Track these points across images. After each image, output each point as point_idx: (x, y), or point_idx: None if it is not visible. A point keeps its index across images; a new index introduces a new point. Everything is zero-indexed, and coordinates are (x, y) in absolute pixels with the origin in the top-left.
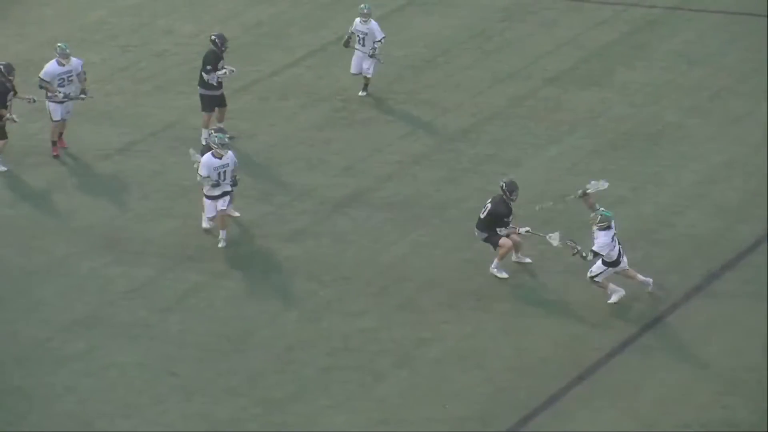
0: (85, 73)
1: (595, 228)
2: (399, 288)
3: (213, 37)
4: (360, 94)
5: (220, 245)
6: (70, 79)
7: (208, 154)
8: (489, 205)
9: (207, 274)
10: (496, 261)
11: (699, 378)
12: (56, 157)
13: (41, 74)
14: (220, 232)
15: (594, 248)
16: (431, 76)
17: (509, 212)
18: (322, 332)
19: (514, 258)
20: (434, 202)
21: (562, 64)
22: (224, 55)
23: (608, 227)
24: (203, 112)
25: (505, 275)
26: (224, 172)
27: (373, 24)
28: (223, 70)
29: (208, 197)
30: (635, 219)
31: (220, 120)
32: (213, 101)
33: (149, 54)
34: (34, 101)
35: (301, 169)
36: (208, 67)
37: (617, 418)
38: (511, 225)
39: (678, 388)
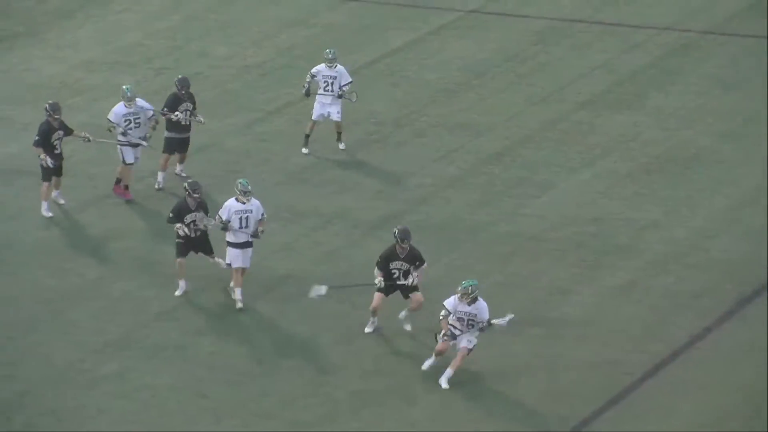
0: (156, 117)
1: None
2: (431, 311)
3: (175, 80)
4: (340, 147)
5: (238, 306)
6: (137, 121)
7: (231, 199)
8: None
9: (240, 296)
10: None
11: (731, 403)
12: (129, 201)
13: (109, 115)
14: (237, 291)
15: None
16: (465, 100)
17: (395, 258)
18: (354, 355)
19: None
20: (467, 225)
21: (595, 87)
22: (194, 99)
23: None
24: (162, 153)
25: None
26: (246, 218)
27: (341, 68)
28: (179, 114)
29: (232, 244)
30: (668, 243)
31: (181, 162)
32: (175, 144)
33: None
34: (89, 140)
35: (334, 192)
36: (164, 110)
37: None
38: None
39: (710, 413)
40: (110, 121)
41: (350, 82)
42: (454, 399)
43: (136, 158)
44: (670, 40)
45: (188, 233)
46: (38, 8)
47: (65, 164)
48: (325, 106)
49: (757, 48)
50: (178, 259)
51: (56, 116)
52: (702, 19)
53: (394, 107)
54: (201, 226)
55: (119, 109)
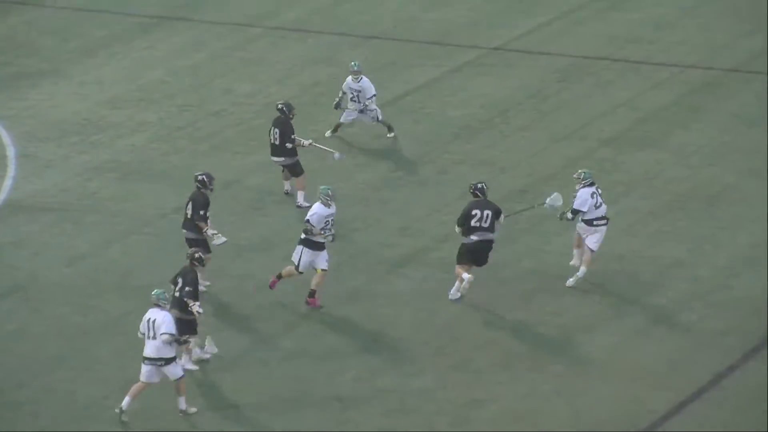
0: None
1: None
2: (454, 348)
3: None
4: (388, 136)
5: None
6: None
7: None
8: None
9: (262, 333)
10: None
11: None
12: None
13: (309, 217)
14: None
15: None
16: (488, 137)
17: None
18: (378, 392)
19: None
20: (491, 262)
21: (618, 125)
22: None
23: (591, 183)
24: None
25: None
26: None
27: (365, 81)
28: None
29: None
30: (692, 281)
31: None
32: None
33: (207, 113)
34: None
35: (358, 229)
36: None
37: None
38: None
39: None
40: (308, 222)
41: (374, 95)
42: None
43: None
44: (694, 77)
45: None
46: (62, 46)
47: (89, 202)
48: (353, 114)
49: None
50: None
51: (211, 186)
52: (726, 56)
53: (416, 144)
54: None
55: (320, 210)
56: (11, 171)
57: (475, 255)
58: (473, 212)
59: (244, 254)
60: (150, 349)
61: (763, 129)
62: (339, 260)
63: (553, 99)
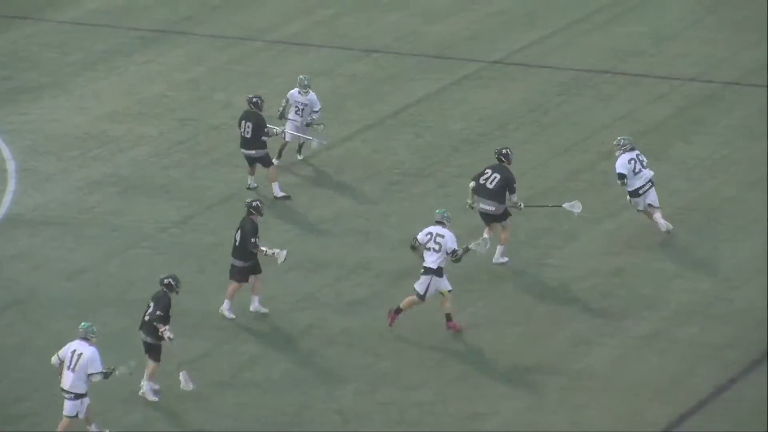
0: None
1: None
2: (455, 361)
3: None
4: (299, 157)
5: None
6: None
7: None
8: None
9: (263, 347)
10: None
11: None
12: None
13: (454, 247)
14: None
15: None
16: (487, 150)
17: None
18: (379, 406)
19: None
20: (491, 275)
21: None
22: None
23: (631, 149)
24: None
25: None
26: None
27: (312, 95)
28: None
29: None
30: (693, 293)
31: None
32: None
33: (207, 127)
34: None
35: (358, 242)
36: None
37: None
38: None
39: None
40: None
41: (320, 108)
42: None
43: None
44: (695, 90)
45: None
46: (63, 60)
47: (89, 216)
48: (296, 128)
49: None
50: (155, 365)
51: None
52: (727, 69)
53: (417, 157)
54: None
55: None
56: (12, 185)
57: (485, 218)
58: (486, 170)
59: None
60: (67, 380)
61: (764, 141)
62: (338, 274)
63: (553, 112)
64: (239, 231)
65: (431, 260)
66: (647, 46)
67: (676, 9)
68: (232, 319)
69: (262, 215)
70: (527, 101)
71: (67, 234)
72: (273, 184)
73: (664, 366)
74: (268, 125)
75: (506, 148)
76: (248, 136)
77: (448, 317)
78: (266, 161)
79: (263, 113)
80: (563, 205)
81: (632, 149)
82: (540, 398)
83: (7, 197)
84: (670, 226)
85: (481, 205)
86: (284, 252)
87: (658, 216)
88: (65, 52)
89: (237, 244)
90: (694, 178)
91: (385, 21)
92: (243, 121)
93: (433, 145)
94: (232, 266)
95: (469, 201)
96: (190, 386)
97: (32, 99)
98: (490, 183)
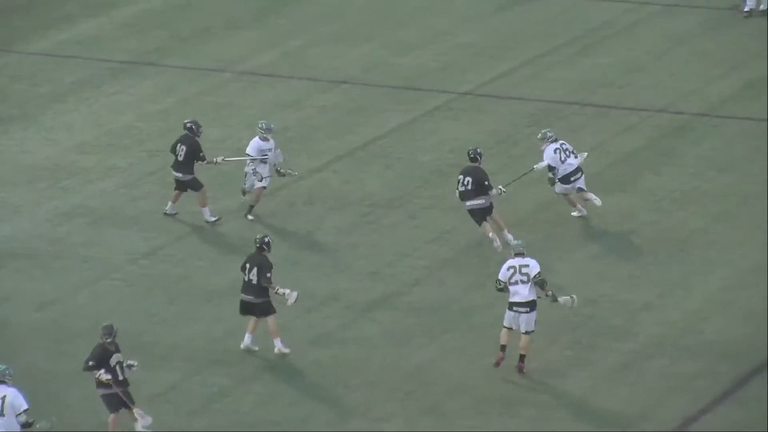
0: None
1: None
2: (425, 393)
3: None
4: (249, 218)
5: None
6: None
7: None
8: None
9: (233, 378)
10: None
11: None
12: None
13: (539, 270)
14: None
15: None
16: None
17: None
18: None
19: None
20: (461, 307)
21: (588, 169)
22: None
23: (555, 140)
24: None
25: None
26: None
27: (273, 142)
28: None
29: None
30: (663, 325)
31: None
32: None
33: None
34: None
35: (328, 274)
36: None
37: None
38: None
39: None
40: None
41: (283, 159)
42: None
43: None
44: (664, 122)
45: (117, 376)
46: (32, 91)
47: (59, 247)
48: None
49: (751, 130)
50: (111, 416)
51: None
52: (696, 101)
53: (387, 189)
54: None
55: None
56: None
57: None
58: (458, 177)
59: (213, 299)
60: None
61: (733, 173)
62: (309, 305)
63: (523, 143)
64: (254, 268)
65: (525, 293)
66: (615, 77)
67: (643, 41)
68: (255, 351)
69: (270, 251)
70: (497, 132)
71: (36, 265)
72: (203, 208)
73: (635, 397)
74: (205, 157)
75: (478, 148)
76: (181, 159)
77: (522, 358)
78: (195, 185)
79: (199, 138)
80: (534, 168)
81: (556, 140)
82: (511, 430)
83: None
84: (599, 201)
85: (471, 203)
86: (295, 293)
87: (590, 195)
88: (34, 83)
89: (251, 281)
90: (663, 209)
91: (354, 52)
92: (179, 144)
93: (403, 177)
94: (247, 303)
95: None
96: (148, 420)
97: (1, 131)
98: (467, 185)
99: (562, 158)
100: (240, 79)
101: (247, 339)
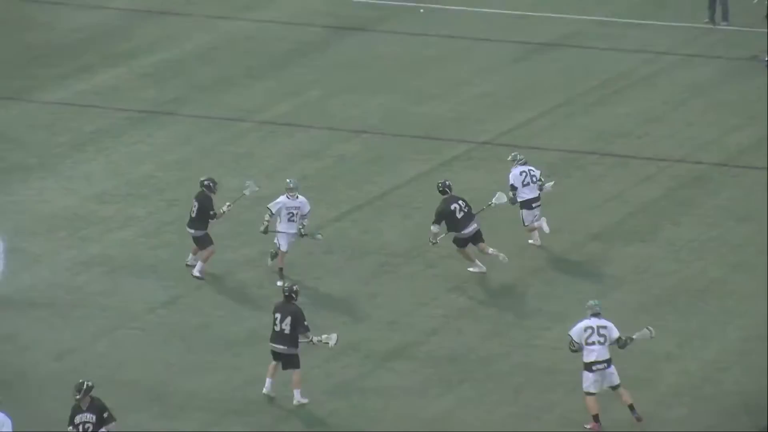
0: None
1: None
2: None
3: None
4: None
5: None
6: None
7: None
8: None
9: (252, 428)
10: None
11: None
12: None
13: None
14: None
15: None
16: None
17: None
18: None
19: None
20: (479, 356)
21: (607, 219)
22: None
23: (524, 163)
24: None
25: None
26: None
27: (302, 198)
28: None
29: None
30: (681, 375)
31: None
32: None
33: None
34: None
35: (346, 323)
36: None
37: None
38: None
39: None
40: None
41: (309, 211)
42: None
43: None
44: (683, 172)
45: None
46: (51, 140)
47: (77, 296)
48: (289, 238)
49: None
50: None
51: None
52: (714, 151)
53: (405, 238)
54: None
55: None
56: (0, 266)
57: (469, 240)
58: (452, 206)
59: (232, 348)
60: None
61: (752, 223)
62: (327, 355)
63: (542, 193)
64: (287, 318)
65: (603, 352)
66: (633, 127)
67: (661, 91)
68: (273, 397)
69: (297, 299)
70: None
71: (55, 314)
72: (199, 261)
73: None
74: (215, 210)
75: (445, 180)
76: (193, 215)
77: (632, 407)
78: (205, 242)
79: (214, 195)
80: (491, 203)
81: (525, 163)
82: None
83: None
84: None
85: (466, 231)
86: (334, 335)
87: (542, 222)
88: (54, 132)
89: (284, 330)
90: (682, 259)
91: (373, 102)
92: (194, 201)
93: (421, 226)
94: (278, 353)
95: (433, 241)
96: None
97: (21, 179)
98: (465, 209)
99: (525, 181)
100: (259, 129)
101: (268, 385)
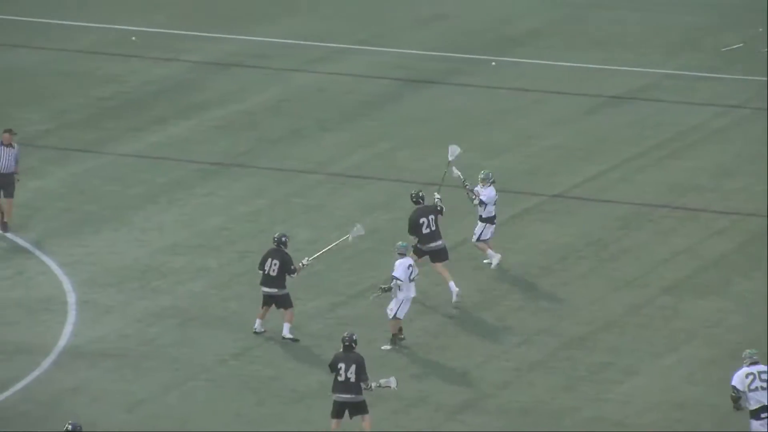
0: None
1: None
2: None
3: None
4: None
5: None
6: None
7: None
8: None
9: None
10: None
11: None
12: None
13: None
14: None
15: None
16: (547, 284)
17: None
18: None
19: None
20: (550, 410)
21: (678, 272)
22: None
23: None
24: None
25: None
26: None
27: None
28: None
29: None
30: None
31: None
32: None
33: None
34: None
35: (416, 376)
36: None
37: None
38: None
39: None
40: None
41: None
42: None
43: None
44: (754, 226)
45: None
46: (124, 193)
47: (148, 348)
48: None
49: None
50: None
51: None
52: None
53: (476, 292)
54: None
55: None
56: (72, 317)
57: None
58: (421, 220)
59: (303, 401)
60: None
61: None
62: (396, 407)
63: (613, 246)
64: (351, 366)
65: (765, 399)
66: (705, 180)
67: (733, 144)
68: None
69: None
70: (587, 235)
71: (125, 366)
72: (286, 324)
73: None
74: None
75: (419, 190)
76: (273, 274)
77: None
78: (287, 302)
79: (288, 251)
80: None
81: (493, 183)
82: None
83: (67, 329)
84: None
85: (427, 247)
86: (393, 378)
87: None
88: (127, 184)
89: (349, 379)
90: (754, 313)
91: (443, 155)
92: (270, 259)
93: (493, 279)
94: (343, 403)
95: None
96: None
97: (93, 231)
98: (433, 225)
99: (497, 201)
100: (330, 181)
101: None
